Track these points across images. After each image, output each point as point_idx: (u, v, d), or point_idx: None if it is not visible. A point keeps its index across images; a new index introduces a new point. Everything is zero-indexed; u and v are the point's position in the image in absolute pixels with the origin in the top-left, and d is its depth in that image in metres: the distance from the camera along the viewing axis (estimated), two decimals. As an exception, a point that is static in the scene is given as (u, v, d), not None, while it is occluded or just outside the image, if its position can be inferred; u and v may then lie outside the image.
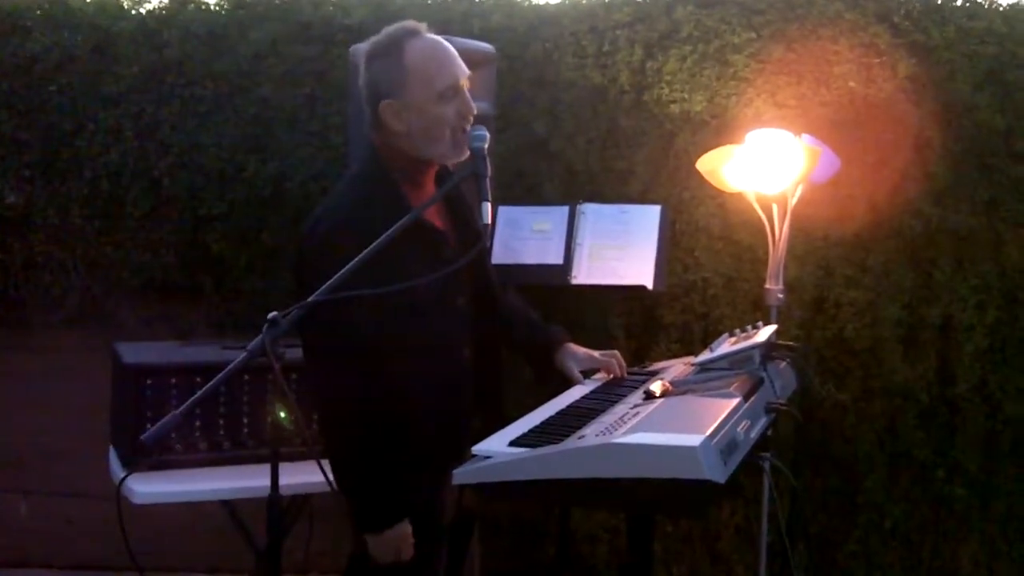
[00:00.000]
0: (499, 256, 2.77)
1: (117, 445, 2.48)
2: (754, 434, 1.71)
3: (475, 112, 1.94)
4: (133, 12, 3.39)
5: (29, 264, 3.38)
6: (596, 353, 2.20)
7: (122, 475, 2.10)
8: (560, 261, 2.77)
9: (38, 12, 3.37)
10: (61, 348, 3.32)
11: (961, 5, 3.19)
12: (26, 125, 3.32)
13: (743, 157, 2.77)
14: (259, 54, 3.26)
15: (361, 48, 1.99)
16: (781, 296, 2.86)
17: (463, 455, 1.67)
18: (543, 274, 2.76)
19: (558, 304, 2.86)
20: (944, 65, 3.10)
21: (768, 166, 2.73)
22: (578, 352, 2.18)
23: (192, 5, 3.36)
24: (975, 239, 3.12)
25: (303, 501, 2.38)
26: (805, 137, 2.79)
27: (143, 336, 3.12)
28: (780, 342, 2.20)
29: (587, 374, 2.20)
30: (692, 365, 2.14)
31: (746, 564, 3.21)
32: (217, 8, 3.37)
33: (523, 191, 3.11)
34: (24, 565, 3.40)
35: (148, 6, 3.40)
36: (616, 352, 2.22)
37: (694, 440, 1.44)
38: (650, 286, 2.70)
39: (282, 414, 1.91)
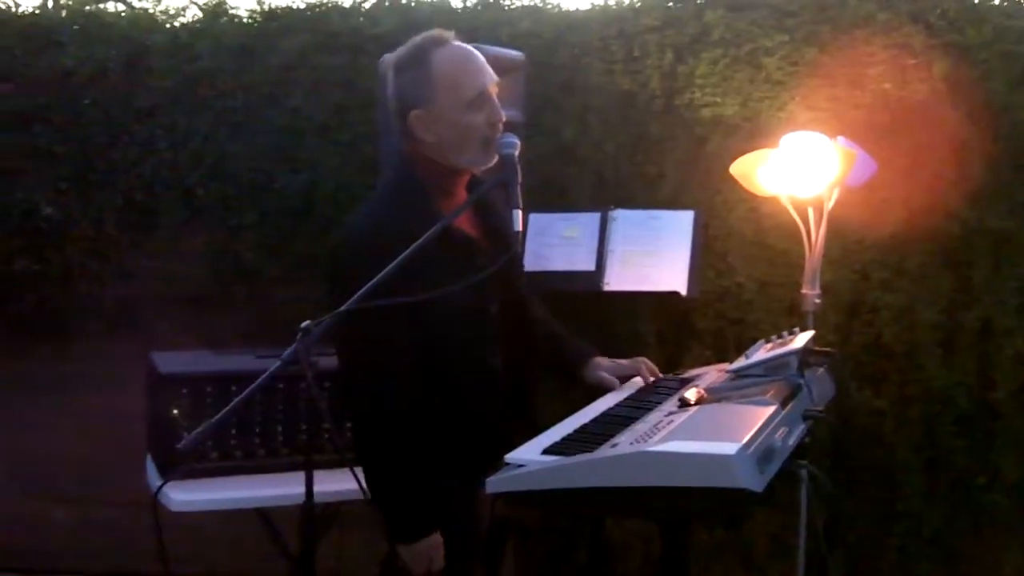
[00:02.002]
0: (529, 263, 2.75)
1: (154, 453, 2.50)
2: (792, 442, 1.68)
3: (504, 119, 1.93)
4: (167, 26, 3.43)
5: (66, 275, 3.42)
6: (623, 361, 2.18)
7: (159, 483, 2.11)
8: (592, 267, 2.75)
9: (73, 27, 3.42)
10: (97, 357, 3.35)
11: (998, 4, 3.14)
12: (61, 138, 3.37)
13: (778, 161, 2.74)
14: (289, 65, 3.29)
15: (389, 59, 1.99)
16: (818, 301, 2.82)
17: (496, 464, 1.67)
18: (575, 280, 2.75)
19: (589, 311, 2.84)
20: (981, 65, 3.05)
21: (804, 169, 2.70)
22: (604, 363, 2.17)
23: (225, 18, 3.40)
24: (1013, 241, 3.06)
25: (335, 509, 2.38)
26: (840, 140, 2.75)
27: (176, 345, 3.14)
28: (816, 348, 2.17)
29: (620, 380, 2.18)
30: (727, 372, 2.11)
31: (781, 572, 3.16)
32: (249, 20, 3.40)
33: (552, 197, 3.10)
34: (60, 572, 3.44)
35: (181, 20, 3.45)
36: (644, 358, 2.20)
37: (730, 448, 1.42)
38: (684, 292, 2.68)
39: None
